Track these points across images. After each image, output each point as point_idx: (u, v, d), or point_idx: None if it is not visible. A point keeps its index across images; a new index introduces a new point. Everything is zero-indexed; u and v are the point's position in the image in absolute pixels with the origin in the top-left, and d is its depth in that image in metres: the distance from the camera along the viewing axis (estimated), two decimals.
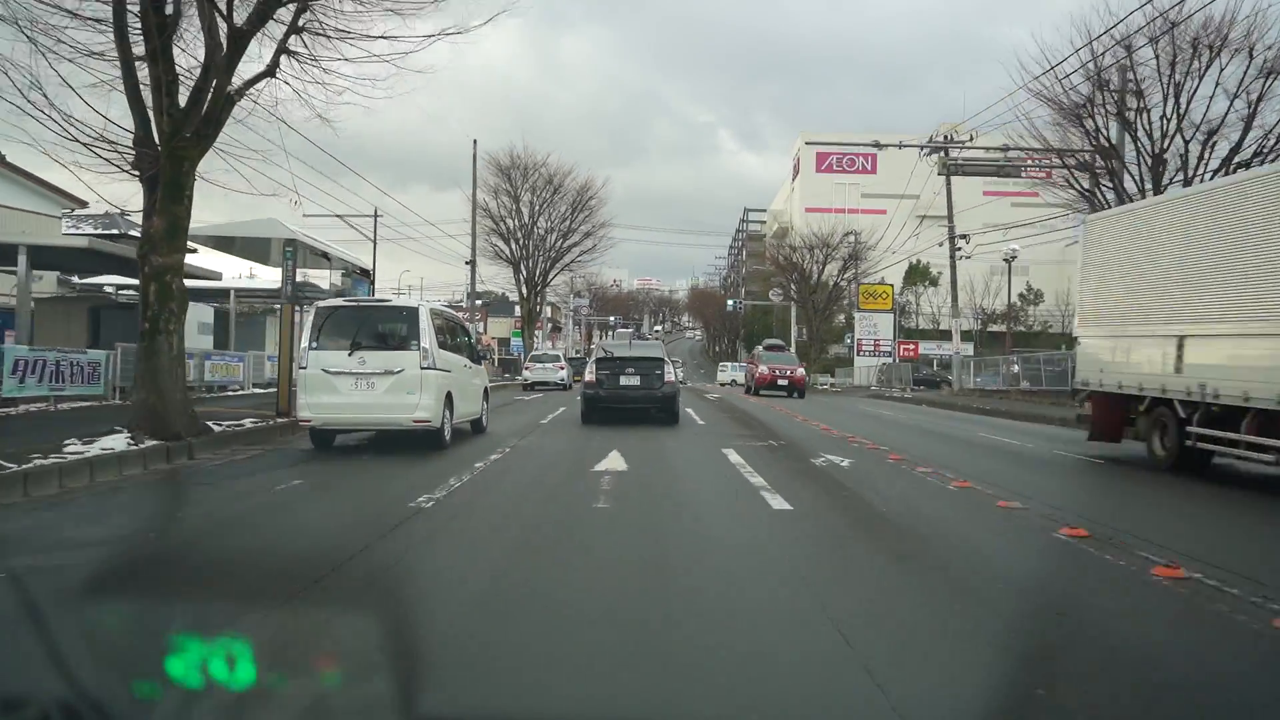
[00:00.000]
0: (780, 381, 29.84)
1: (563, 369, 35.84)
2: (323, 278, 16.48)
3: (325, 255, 15.59)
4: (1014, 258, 35.25)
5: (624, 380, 15.51)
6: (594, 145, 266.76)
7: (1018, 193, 71.45)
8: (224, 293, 22.23)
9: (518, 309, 53.33)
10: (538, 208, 46.89)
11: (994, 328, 71.09)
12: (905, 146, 20.21)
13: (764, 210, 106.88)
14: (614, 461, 9.80)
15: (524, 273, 47.67)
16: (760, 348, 35.04)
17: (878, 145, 20.09)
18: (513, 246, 47.19)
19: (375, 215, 22.97)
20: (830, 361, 61.60)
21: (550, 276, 49.92)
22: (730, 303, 76.68)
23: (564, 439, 13.09)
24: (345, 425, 11.07)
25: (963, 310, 71.63)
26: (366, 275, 18.14)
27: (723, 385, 46.91)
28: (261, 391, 20.95)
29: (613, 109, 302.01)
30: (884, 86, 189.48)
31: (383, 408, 10.46)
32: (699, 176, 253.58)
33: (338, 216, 20.33)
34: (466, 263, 40.70)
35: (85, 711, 1.49)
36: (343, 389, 10.43)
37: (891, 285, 58.08)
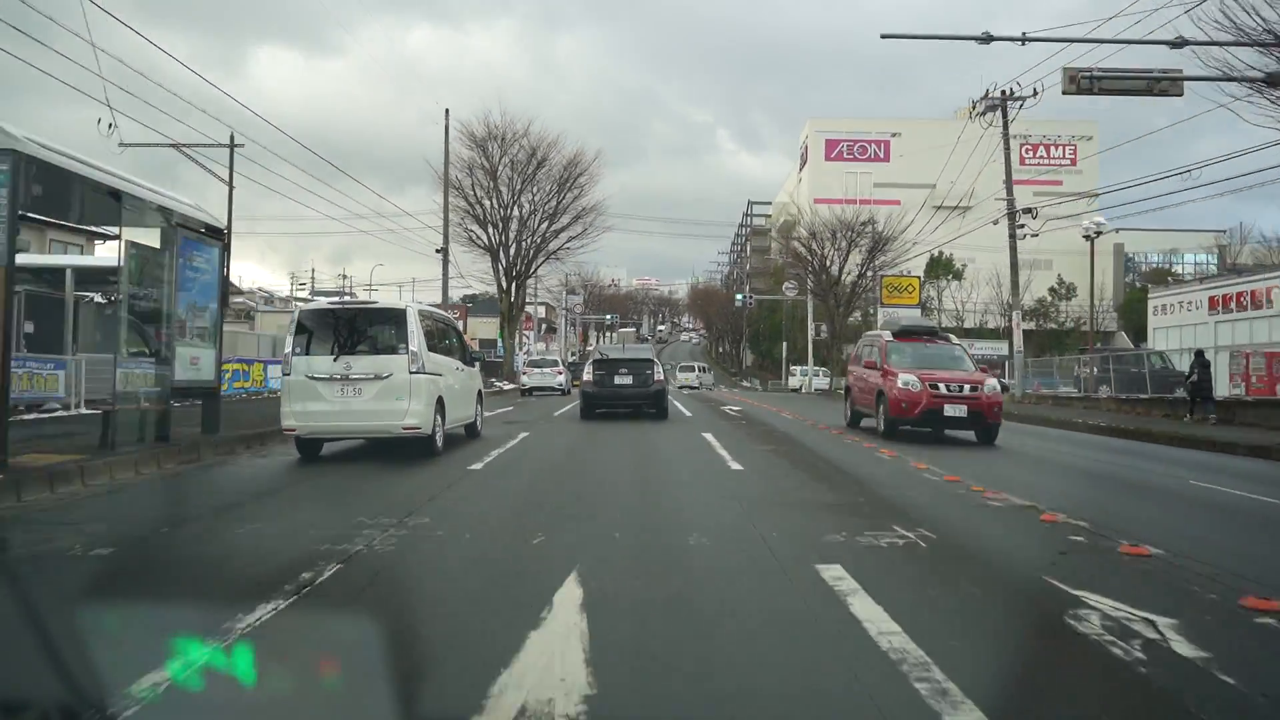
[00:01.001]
0: (951, 410, 13.37)
1: (561, 374, 35.08)
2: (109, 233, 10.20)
3: (114, 194, 9.31)
4: (1097, 234, 28.94)
5: (618, 380, 16.84)
6: (592, 145, 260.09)
7: (1041, 181, 65.81)
8: (58, 271, 15.94)
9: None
10: (519, 186, 40.23)
11: (1024, 325, 64.86)
12: (1029, 40, 13.87)
13: (768, 203, 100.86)
14: (556, 647, 3.49)
15: (503, 262, 41.10)
16: (885, 336, 15.40)
17: (989, 37, 13.73)
18: (490, 232, 40.62)
19: (231, 145, 16.95)
20: (846, 362, 55.35)
21: (535, 266, 43.21)
22: (739, 297, 69.83)
23: (489, 517, 6.85)
24: (332, 433, 10.51)
25: (989, 306, 65.95)
26: (218, 236, 11.82)
27: (794, 391, 39.88)
28: (91, 413, 14.68)
29: (610, 109, 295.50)
30: (883, 84, 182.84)
31: (371, 414, 10.03)
32: (698, 176, 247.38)
33: (174, 146, 14.99)
34: (437, 251, 34.69)
35: None
36: (328, 395, 10.00)
37: (918, 278, 52.10)
